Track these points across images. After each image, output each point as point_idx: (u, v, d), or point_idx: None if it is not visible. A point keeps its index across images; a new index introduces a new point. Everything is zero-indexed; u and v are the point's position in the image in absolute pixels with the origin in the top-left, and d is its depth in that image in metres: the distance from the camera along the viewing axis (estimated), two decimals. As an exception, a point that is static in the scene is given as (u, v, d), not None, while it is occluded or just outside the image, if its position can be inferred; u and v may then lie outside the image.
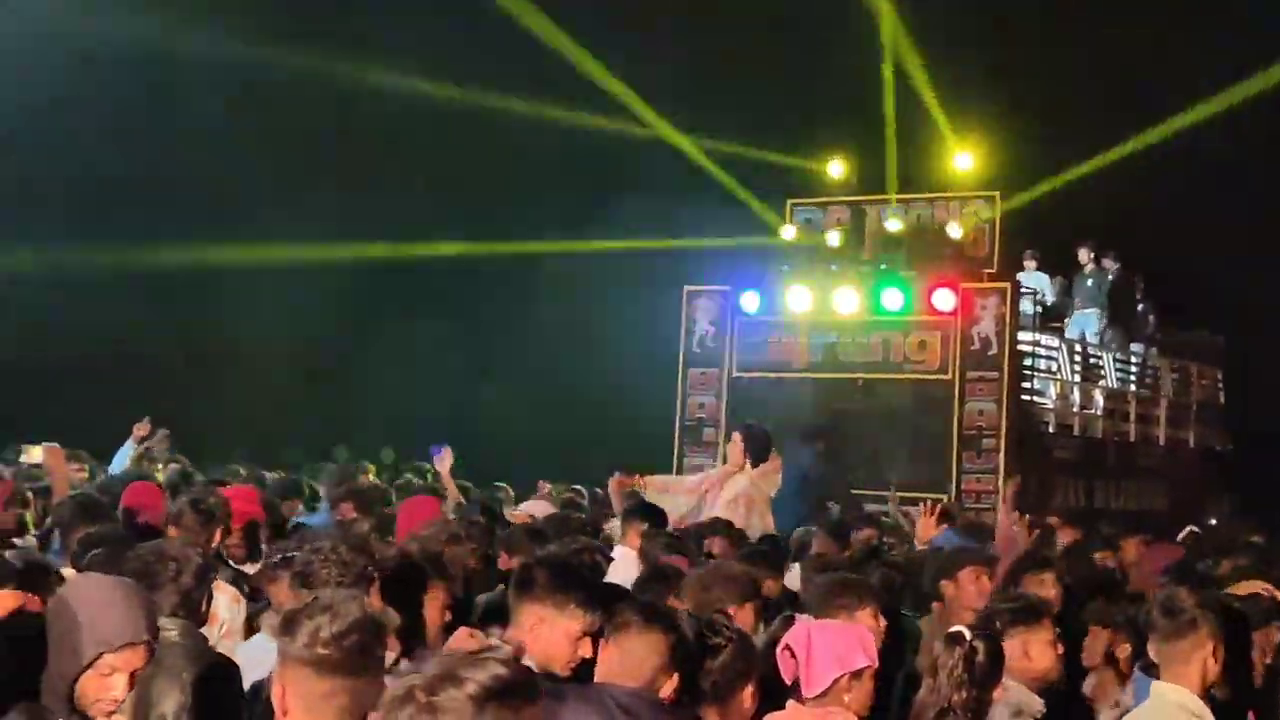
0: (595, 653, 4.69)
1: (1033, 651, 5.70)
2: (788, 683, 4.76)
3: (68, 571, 5.79)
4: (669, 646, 4.40)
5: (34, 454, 13.64)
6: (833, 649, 4.78)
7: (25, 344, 20.31)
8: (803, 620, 5.13)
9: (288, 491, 12.00)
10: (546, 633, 4.87)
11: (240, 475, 12.97)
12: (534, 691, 2.48)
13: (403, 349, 24.09)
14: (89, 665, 3.76)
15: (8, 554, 5.99)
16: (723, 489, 11.51)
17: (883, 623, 5.85)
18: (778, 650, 4.87)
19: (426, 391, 23.74)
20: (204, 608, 5.17)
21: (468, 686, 2.34)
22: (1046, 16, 24.76)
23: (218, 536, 6.83)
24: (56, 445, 11.75)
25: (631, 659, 4.38)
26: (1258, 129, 23.65)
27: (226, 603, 6.04)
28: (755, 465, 11.95)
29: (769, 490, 11.75)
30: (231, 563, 7.46)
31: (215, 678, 4.65)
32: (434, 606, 5.44)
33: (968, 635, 4.70)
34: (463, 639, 5.04)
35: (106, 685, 3.77)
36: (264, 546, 7.87)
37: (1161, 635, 5.32)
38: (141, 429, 13.77)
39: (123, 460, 13.57)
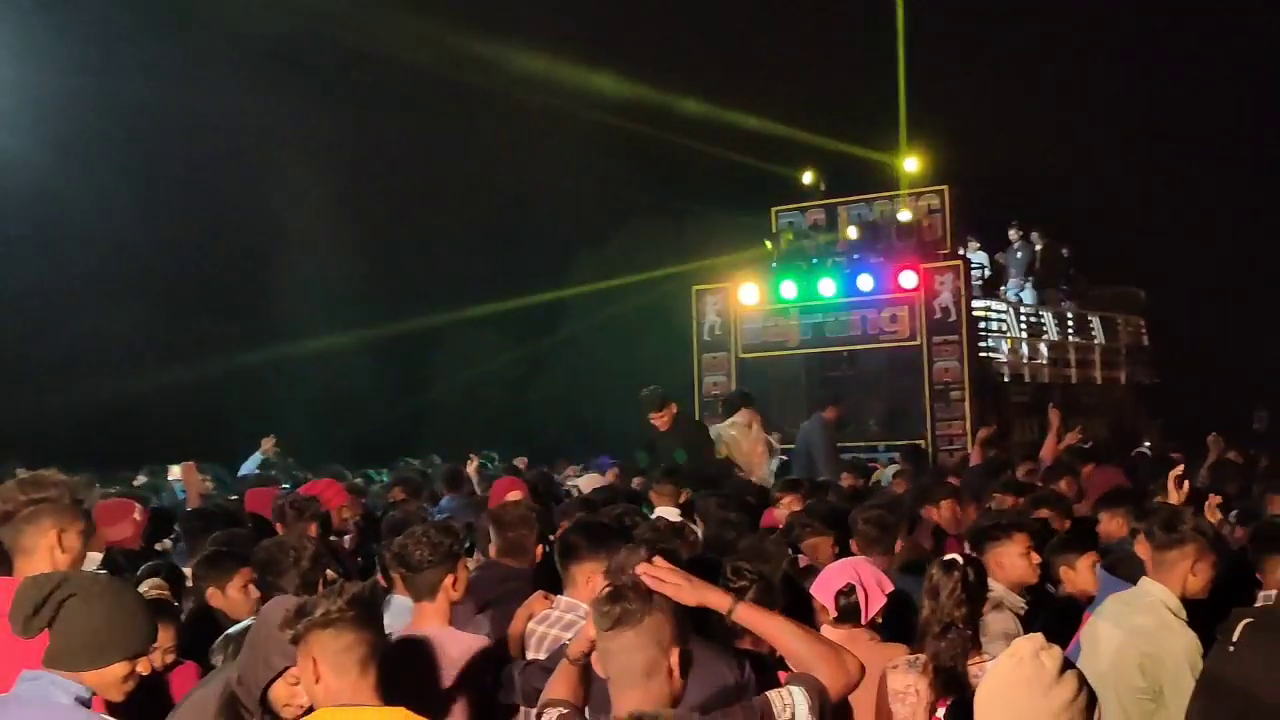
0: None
1: (1005, 562, 5.79)
2: (834, 612, 4.75)
3: (187, 570, 5.82)
4: None
5: (174, 471, 13.68)
6: (879, 582, 4.82)
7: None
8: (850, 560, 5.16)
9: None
10: (598, 583, 4.84)
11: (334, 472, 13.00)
12: None
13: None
14: (278, 675, 3.75)
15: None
16: None
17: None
18: (824, 585, 4.88)
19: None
20: (320, 587, 5.16)
21: None
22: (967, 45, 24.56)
23: (313, 529, 6.81)
24: (191, 463, 11.80)
25: None
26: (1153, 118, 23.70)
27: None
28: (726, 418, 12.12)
29: (745, 434, 11.81)
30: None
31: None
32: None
33: (960, 559, 4.63)
34: (538, 601, 5.02)
35: (295, 692, 3.74)
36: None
37: (1156, 544, 5.28)
38: (268, 442, 13.86)
39: (250, 467, 13.67)
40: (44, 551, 4.19)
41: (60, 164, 19.94)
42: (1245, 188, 24.64)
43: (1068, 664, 2.83)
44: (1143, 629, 5.00)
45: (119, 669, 3.52)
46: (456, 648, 4.49)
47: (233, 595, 5.22)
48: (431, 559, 4.64)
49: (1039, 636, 2.94)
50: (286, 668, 3.71)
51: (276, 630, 3.66)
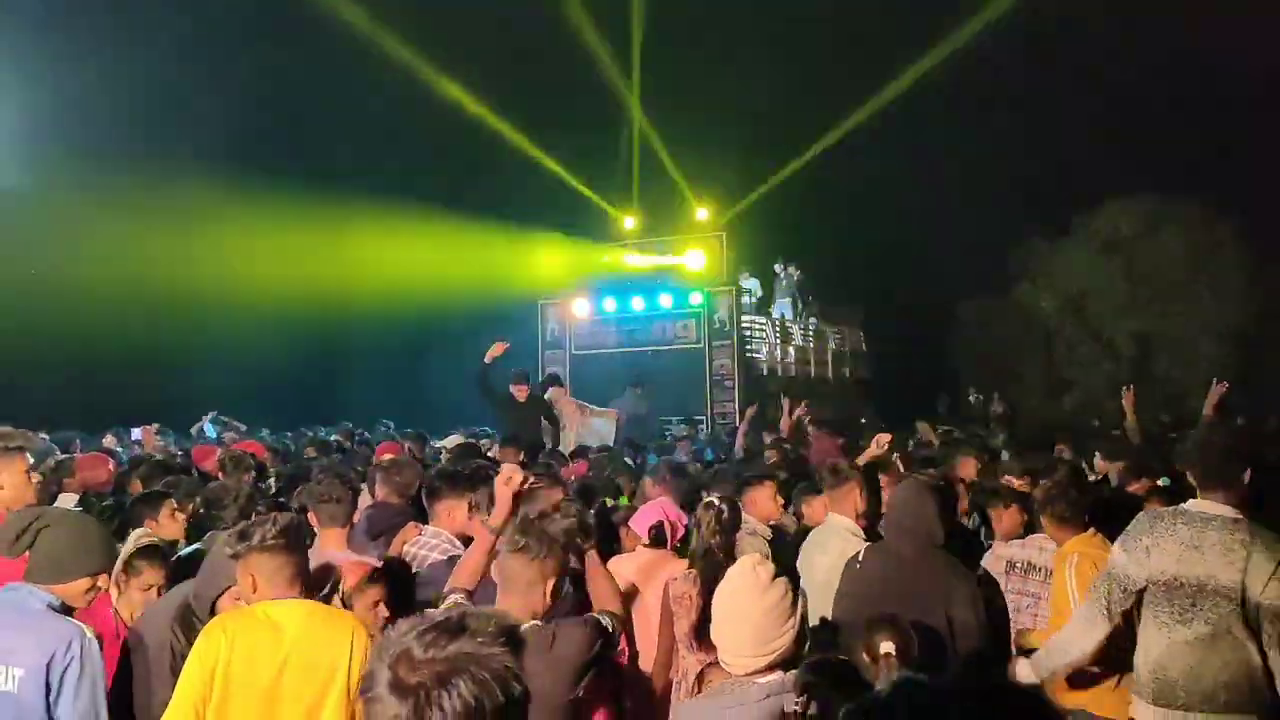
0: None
1: (759, 500, 5.84)
2: (648, 540, 4.79)
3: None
4: None
5: (135, 433, 13.19)
6: (679, 519, 4.88)
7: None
8: (657, 501, 5.17)
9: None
10: (460, 515, 4.84)
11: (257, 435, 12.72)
12: None
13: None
14: (224, 590, 3.70)
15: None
16: None
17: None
18: (640, 520, 4.92)
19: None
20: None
21: None
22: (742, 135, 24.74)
23: (248, 478, 6.66)
24: (150, 426, 11.42)
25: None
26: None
27: None
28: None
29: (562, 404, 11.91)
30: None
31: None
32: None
33: (716, 501, 4.61)
34: (410, 530, 4.99)
35: (237, 604, 3.66)
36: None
37: (829, 486, 5.40)
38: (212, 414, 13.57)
39: (211, 431, 13.33)
40: None
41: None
42: (932, 239, 25.29)
43: (778, 574, 2.93)
44: (834, 548, 5.06)
45: (82, 583, 3.43)
46: (352, 569, 4.46)
47: (163, 522, 5.07)
48: (342, 497, 4.62)
49: (758, 555, 3.05)
50: (229, 586, 3.67)
51: (224, 557, 3.64)
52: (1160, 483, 6.32)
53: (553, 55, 22.28)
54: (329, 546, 4.53)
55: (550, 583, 3.28)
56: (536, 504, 4.15)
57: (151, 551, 4.19)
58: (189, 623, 3.70)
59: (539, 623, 3.25)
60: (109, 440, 11.97)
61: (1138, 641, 3.94)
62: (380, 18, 20.06)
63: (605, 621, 3.41)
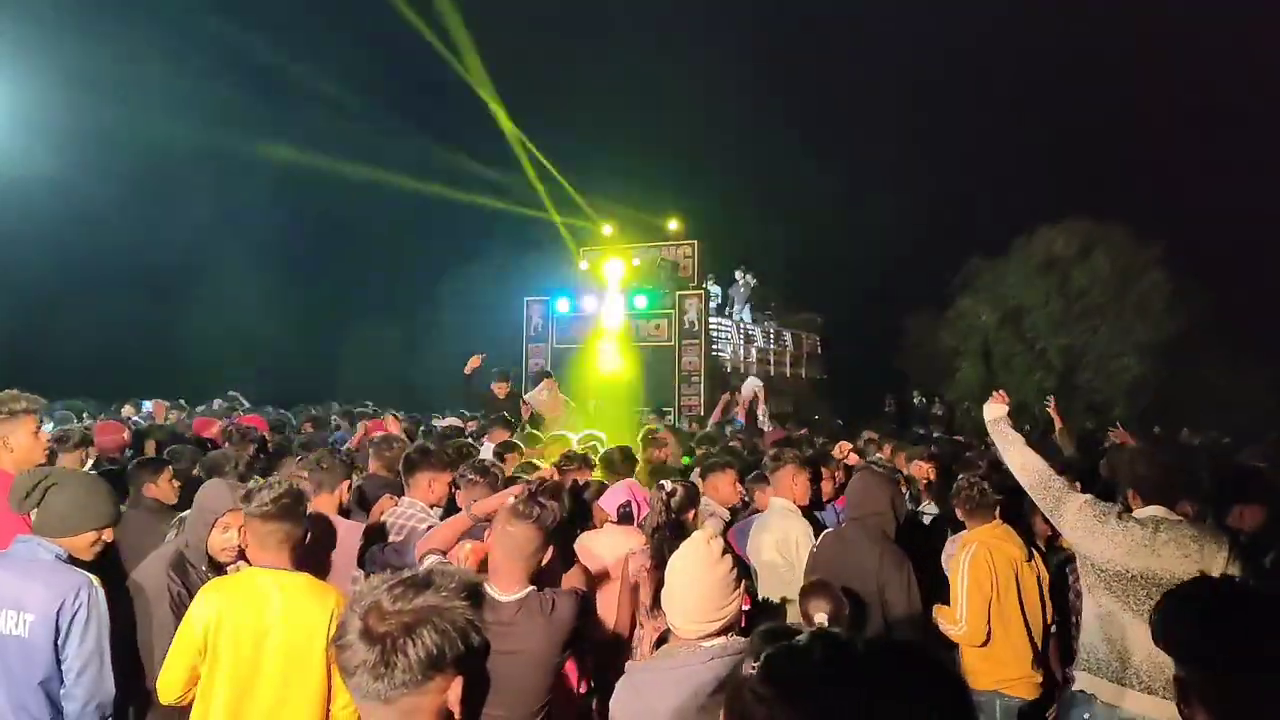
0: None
1: (720, 486, 5.84)
2: (615, 518, 4.82)
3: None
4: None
5: (146, 405, 13.12)
6: (644, 499, 4.89)
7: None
8: (625, 482, 5.20)
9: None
10: (438, 487, 4.87)
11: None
12: None
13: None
14: (211, 527, 3.74)
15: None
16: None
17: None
18: (608, 499, 4.93)
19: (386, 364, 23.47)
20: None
21: None
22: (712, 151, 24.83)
23: (251, 449, 6.65)
24: (159, 400, 11.35)
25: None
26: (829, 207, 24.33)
27: None
28: (534, 386, 12.30)
29: (550, 397, 11.82)
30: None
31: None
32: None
33: (669, 485, 4.60)
34: (386, 501, 4.99)
35: (227, 538, 3.77)
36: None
37: (770, 470, 5.49)
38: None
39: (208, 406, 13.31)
40: (0, 450, 4.04)
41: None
42: (884, 254, 25.47)
43: (727, 549, 2.95)
44: (775, 525, 5.14)
45: (88, 536, 3.44)
46: (340, 526, 4.48)
47: (162, 485, 5.12)
48: (333, 466, 4.66)
49: (710, 530, 3.06)
50: (217, 519, 3.73)
51: (208, 502, 3.71)
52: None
53: (550, 66, 22.35)
54: (318, 509, 4.54)
55: (548, 551, 3.34)
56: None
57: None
58: (183, 569, 3.74)
59: (537, 589, 3.30)
60: (127, 410, 11.93)
61: (1089, 622, 3.87)
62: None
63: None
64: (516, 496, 3.48)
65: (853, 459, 7.01)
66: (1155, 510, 3.82)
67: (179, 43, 19.94)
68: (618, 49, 21.82)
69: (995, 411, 4.44)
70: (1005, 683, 4.52)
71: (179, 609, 3.51)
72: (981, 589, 4.53)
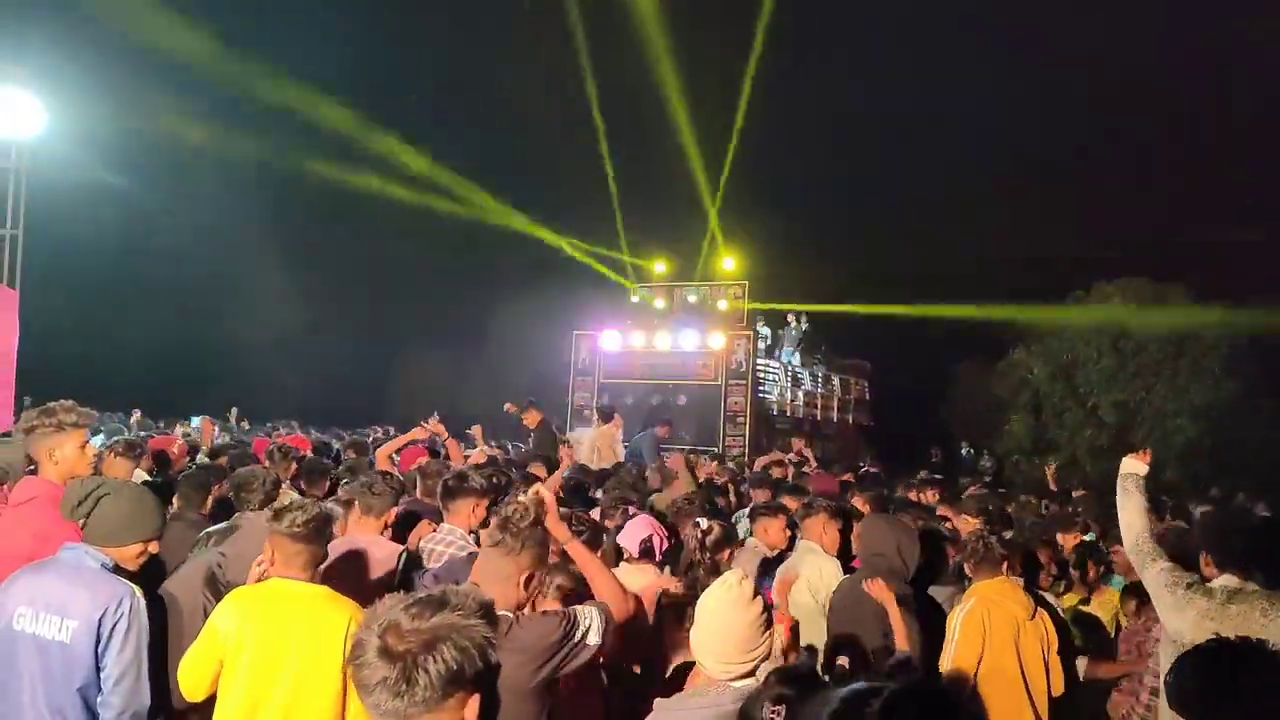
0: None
1: (770, 530, 5.93)
2: (635, 552, 4.72)
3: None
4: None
5: (194, 421, 13.36)
6: (665, 535, 4.85)
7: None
8: (644, 518, 5.11)
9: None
10: (480, 512, 4.85)
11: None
12: None
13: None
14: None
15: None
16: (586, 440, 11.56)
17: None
18: (628, 535, 4.82)
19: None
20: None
21: None
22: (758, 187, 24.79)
23: (293, 468, 6.74)
24: (208, 417, 11.52)
25: None
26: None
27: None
28: (604, 424, 12.09)
29: (612, 435, 11.71)
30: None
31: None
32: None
33: (704, 524, 4.62)
34: (424, 527, 5.02)
35: (256, 572, 3.78)
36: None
37: (801, 518, 5.63)
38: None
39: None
40: (44, 461, 4.08)
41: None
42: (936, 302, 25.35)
43: (757, 591, 2.94)
44: (809, 564, 5.22)
45: (135, 548, 3.50)
46: (382, 551, 4.51)
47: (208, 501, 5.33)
48: (384, 492, 4.71)
49: (741, 571, 3.05)
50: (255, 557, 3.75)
51: (255, 536, 3.76)
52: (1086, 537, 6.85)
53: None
54: (362, 533, 4.58)
55: (524, 576, 3.21)
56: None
57: None
58: (216, 587, 3.85)
59: (506, 613, 3.21)
60: (181, 427, 12.20)
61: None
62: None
63: (584, 611, 3.29)
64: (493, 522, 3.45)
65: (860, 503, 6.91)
66: (1230, 580, 3.73)
67: (239, 54, 20.33)
68: (678, 84, 21.96)
69: (1132, 467, 4.39)
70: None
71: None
72: (971, 644, 4.41)
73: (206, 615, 3.66)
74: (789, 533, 6.00)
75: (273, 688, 3.31)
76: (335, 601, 3.50)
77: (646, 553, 4.75)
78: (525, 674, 3.04)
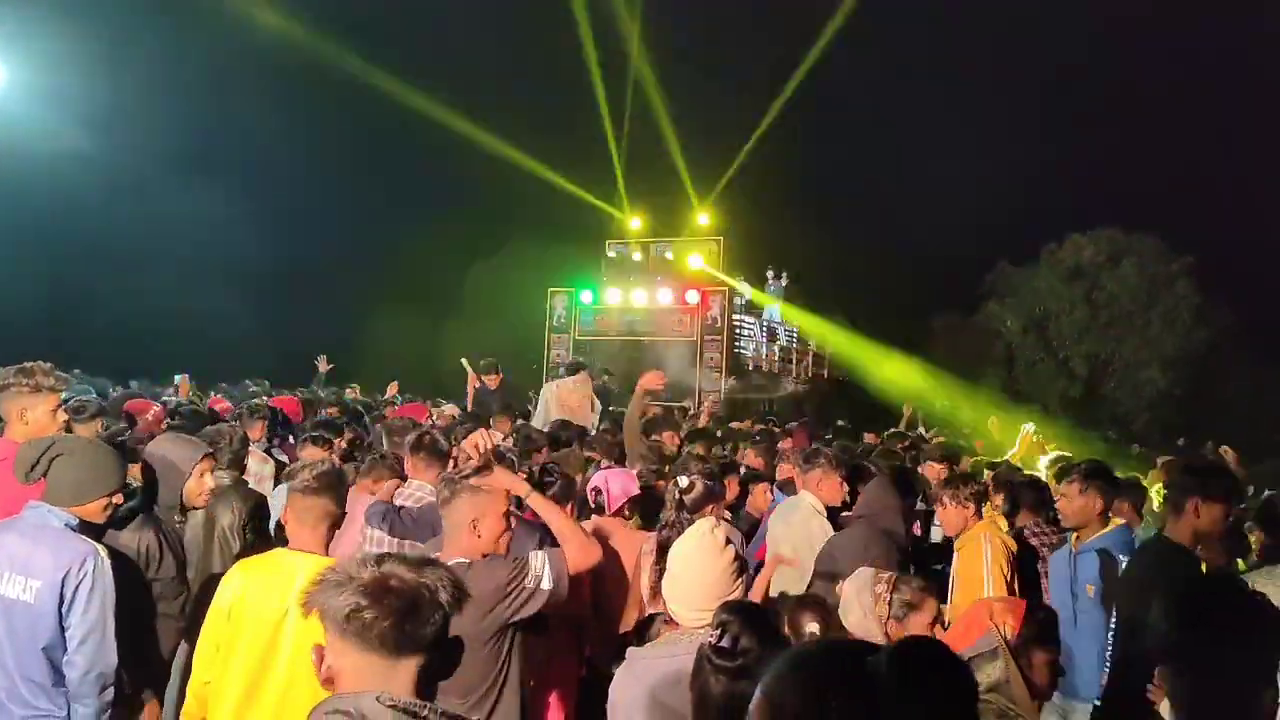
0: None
1: (824, 485, 5.45)
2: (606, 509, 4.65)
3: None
4: None
5: (175, 381, 13.24)
6: (624, 489, 4.72)
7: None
8: (603, 472, 5.01)
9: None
10: (434, 470, 4.81)
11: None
12: None
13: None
14: (189, 476, 3.99)
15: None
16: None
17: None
18: (589, 489, 4.78)
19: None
20: (244, 464, 5.32)
21: None
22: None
23: (261, 426, 6.68)
24: (185, 376, 11.44)
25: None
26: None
27: (255, 463, 5.95)
28: (568, 376, 11.88)
29: (578, 391, 11.48)
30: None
31: (253, 504, 4.72)
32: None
33: (684, 482, 4.36)
34: (394, 484, 4.97)
35: (202, 483, 4.02)
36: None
37: (803, 469, 5.52)
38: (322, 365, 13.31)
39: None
40: (14, 421, 4.08)
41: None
42: (911, 258, 25.30)
43: (728, 540, 2.92)
44: (798, 521, 5.20)
45: (99, 503, 3.45)
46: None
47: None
48: (441, 448, 4.85)
49: (713, 519, 3.03)
50: (195, 466, 4.03)
51: (184, 453, 4.04)
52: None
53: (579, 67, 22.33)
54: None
55: (471, 521, 3.30)
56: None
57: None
58: (160, 526, 3.93)
59: (462, 560, 3.23)
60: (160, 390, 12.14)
61: None
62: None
63: (536, 556, 3.30)
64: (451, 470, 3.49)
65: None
66: None
67: (225, 29, 20.00)
68: (662, 46, 21.79)
69: None
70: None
71: (156, 567, 3.81)
72: (1004, 571, 4.58)
73: (147, 556, 3.79)
74: (844, 486, 5.57)
75: (273, 663, 3.27)
76: None
77: (599, 507, 4.66)
78: (470, 619, 3.00)
